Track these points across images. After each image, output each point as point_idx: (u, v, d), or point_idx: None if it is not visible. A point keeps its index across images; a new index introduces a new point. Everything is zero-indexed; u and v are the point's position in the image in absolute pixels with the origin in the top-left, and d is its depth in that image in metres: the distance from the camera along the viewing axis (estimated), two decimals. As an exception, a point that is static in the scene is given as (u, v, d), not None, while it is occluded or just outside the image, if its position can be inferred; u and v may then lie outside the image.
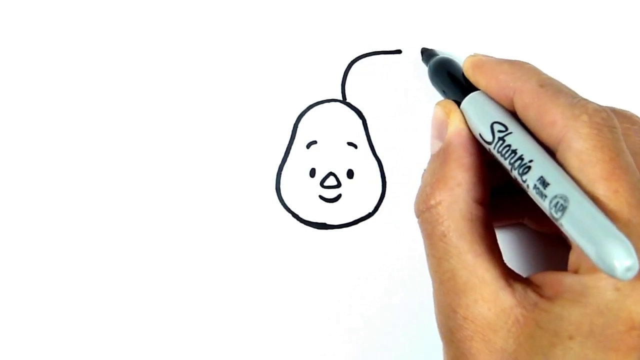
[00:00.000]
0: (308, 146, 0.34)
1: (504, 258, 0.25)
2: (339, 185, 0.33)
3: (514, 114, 0.26)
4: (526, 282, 0.24)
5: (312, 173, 0.33)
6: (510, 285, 0.23)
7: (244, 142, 0.34)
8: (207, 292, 0.33)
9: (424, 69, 0.33)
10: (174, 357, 0.33)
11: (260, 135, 0.34)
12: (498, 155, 0.25)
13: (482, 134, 0.25)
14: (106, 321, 0.33)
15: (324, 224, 0.33)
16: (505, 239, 0.32)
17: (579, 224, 0.20)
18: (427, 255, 0.26)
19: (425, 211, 0.25)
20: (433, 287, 0.25)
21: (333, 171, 0.33)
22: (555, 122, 0.23)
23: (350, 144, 0.34)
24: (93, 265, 0.33)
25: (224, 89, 0.34)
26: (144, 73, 0.34)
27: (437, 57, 0.31)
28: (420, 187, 0.26)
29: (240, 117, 0.34)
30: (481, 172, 0.25)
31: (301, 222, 0.33)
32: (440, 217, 0.25)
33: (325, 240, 0.33)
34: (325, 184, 0.33)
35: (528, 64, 0.26)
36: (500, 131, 0.24)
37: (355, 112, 0.34)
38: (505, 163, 0.24)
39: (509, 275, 0.24)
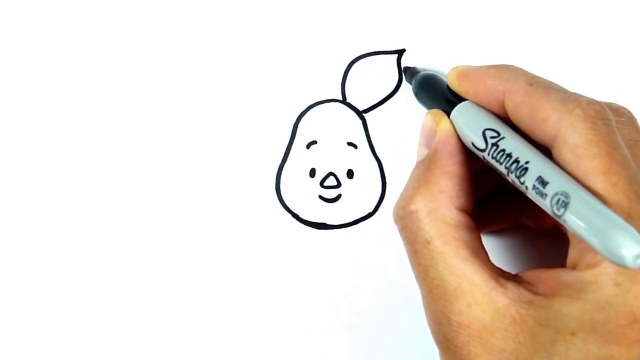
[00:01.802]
0: (308, 146, 0.34)
1: (495, 259, 0.25)
2: (338, 185, 0.33)
3: (505, 120, 0.26)
4: (518, 280, 0.24)
5: (312, 173, 0.34)
6: (501, 285, 0.23)
7: (244, 142, 0.34)
8: (207, 291, 0.33)
9: (424, 68, 0.33)
10: (174, 357, 0.33)
11: (260, 135, 0.34)
12: (493, 162, 0.25)
13: (474, 142, 0.25)
14: (106, 321, 0.33)
15: (324, 224, 0.33)
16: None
17: (582, 218, 0.20)
18: (412, 263, 0.25)
19: (405, 217, 0.25)
20: (422, 295, 0.25)
21: (333, 171, 0.33)
22: (549, 118, 0.23)
23: (350, 144, 0.34)
24: (93, 265, 0.33)
25: (224, 89, 0.34)
26: (144, 73, 0.34)
27: (421, 73, 0.31)
28: (401, 192, 0.26)
29: (240, 117, 0.34)
30: (466, 182, 0.25)
31: (301, 222, 0.33)
32: (422, 224, 0.24)
33: (325, 240, 0.33)
34: (325, 184, 0.33)
35: (514, 66, 0.26)
36: (492, 137, 0.24)
37: (355, 112, 0.34)
38: (501, 168, 0.24)
39: (499, 275, 0.23)
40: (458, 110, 0.27)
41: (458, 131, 0.26)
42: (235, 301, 0.33)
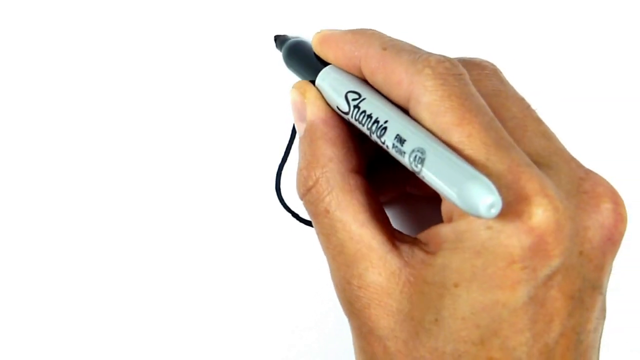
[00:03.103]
0: (308, 146, 0.34)
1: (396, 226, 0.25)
2: (339, 185, 0.33)
3: (367, 82, 0.26)
4: (414, 241, 0.24)
5: (312, 173, 0.33)
6: (397, 248, 0.23)
7: (244, 142, 0.34)
8: (207, 291, 0.33)
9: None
10: (174, 356, 0.33)
11: (260, 135, 0.34)
12: (357, 124, 0.25)
13: (339, 106, 0.26)
14: (107, 320, 0.33)
15: (324, 223, 0.33)
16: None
17: (438, 172, 0.21)
18: (317, 234, 0.26)
19: (306, 193, 0.26)
20: (328, 265, 0.26)
21: (333, 171, 0.33)
22: (401, 80, 0.23)
23: (350, 143, 0.34)
24: (94, 265, 0.33)
25: (224, 89, 0.34)
26: (144, 74, 0.34)
27: (289, 40, 0.31)
28: (297, 171, 0.27)
29: (240, 117, 0.34)
30: (351, 142, 0.26)
31: (301, 222, 0.33)
32: (320, 195, 0.25)
33: (325, 240, 0.33)
34: (325, 183, 0.33)
35: (371, 30, 0.26)
36: (354, 99, 0.25)
37: (355, 111, 0.34)
38: (364, 129, 0.24)
39: (395, 238, 0.24)
40: (321, 76, 0.27)
41: (325, 97, 0.27)
42: (235, 301, 0.33)
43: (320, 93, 0.27)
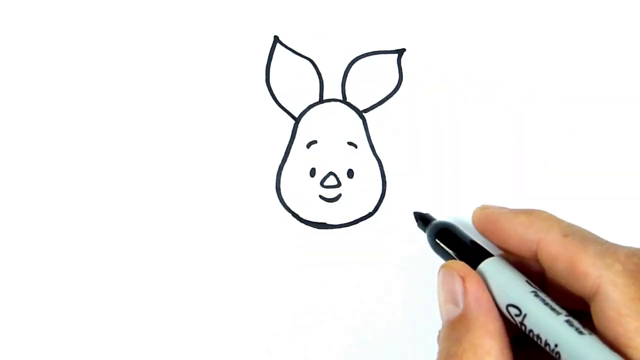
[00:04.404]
0: (308, 146, 0.34)
1: None
2: (339, 185, 0.33)
3: (537, 270, 0.25)
4: None
5: (312, 173, 0.33)
6: None
7: (244, 142, 0.34)
8: (207, 291, 0.33)
9: (425, 68, 0.33)
10: (174, 356, 0.33)
11: (260, 135, 0.34)
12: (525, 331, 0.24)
13: (508, 309, 0.25)
14: (108, 320, 0.33)
15: (324, 223, 0.33)
16: None
17: None
18: None
19: None
20: None
21: (333, 171, 0.33)
22: (588, 273, 0.23)
23: (350, 143, 0.34)
24: (96, 265, 0.33)
25: (224, 89, 0.34)
26: (145, 74, 0.34)
27: (435, 221, 0.30)
28: (441, 355, 0.25)
29: (240, 117, 0.34)
30: (506, 338, 0.24)
31: (301, 222, 0.33)
32: None
33: (325, 240, 0.33)
34: (325, 183, 0.33)
35: (545, 212, 0.25)
36: (516, 315, 0.24)
37: (356, 111, 0.34)
38: (536, 340, 0.24)
39: None
40: (484, 268, 0.26)
41: (489, 288, 0.25)
42: (236, 300, 0.33)
43: (483, 281, 0.25)
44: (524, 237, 0.25)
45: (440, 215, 0.31)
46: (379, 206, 0.33)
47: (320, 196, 0.33)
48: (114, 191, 0.34)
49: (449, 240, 0.28)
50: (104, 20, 0.35)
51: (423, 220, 0.31)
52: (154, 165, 0.34)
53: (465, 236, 0.28)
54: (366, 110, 0.34)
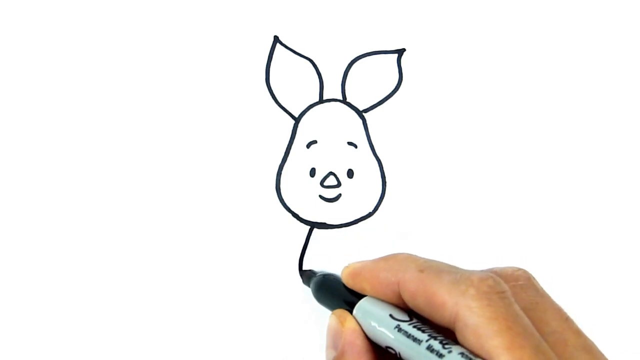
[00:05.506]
0: (308, 146, 0.34)
1: None
2: (339, 184, 0.33)
3: (406, 310, 0.26)
4: None
5: (312, 173, 0.34)
6: None
7: (244, 142, 0.34)
8: (207, 291, 0.33)
9: (425, 68, 0.33)
10: (174, 356, 0.33)
11: (260, 135, 0.34)
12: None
13: (378, 338, 0.25)
14: (108, 320, 0.33)
15: (324, 223, 0.33)
16: None
17: None
18: None
19: None
20: None
21: (333, 171, 0.33)
22: (444, 302, 0.23)
23: (350, 143, 0.34)
24: (96, 264, 0.33)
25: (225, 89, 0.34)
26: (145, 74, 0.34)
27: (317, 276, 0.31)
28: None
29: (240, 117, 0.34)
30: None
31: (301, 221, 0.33)
32: None
33: (325, 240, 0.33)
34: (325, 183, 0.33)
35: (402, 254, 0.26)
36: (394, 352, 0.24)
37: (355, 111, 0.34)
38: None
39: None
40: (359, 309, 0.26)
41: (364, 329, 0.26)
42: (235, 300, 0.33)
43: (359, 324, 0.26)
44: (386, 282, 0.25)
45: (440, 214, 0.31)
46: (379, 206, 0.33)
47: (320, 196, 0.33)
48: (115, 191, 0.34)
49: (329, 289, 0.29)
50: (104, 21, 0.35)
51: (306, 276, 0.32)
52: (154, 165, 0.34)
53: (341, 284, 0.28)
54: (366, 110, 0.34)
